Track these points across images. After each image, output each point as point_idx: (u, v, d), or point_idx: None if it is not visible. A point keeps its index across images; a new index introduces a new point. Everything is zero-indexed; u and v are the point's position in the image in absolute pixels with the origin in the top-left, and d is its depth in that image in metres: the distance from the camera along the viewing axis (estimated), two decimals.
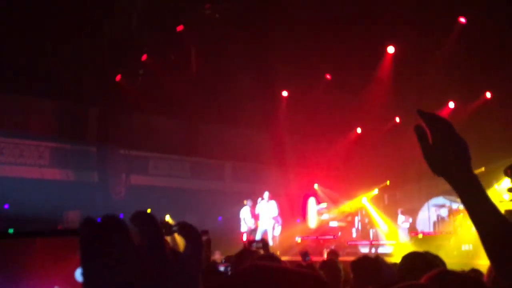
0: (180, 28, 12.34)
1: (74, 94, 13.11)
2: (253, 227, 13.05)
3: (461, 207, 12.28)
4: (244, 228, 13.24)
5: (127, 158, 14.41)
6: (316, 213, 16.86)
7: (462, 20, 12.30)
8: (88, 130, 14.24)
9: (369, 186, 16.63)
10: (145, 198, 14.22)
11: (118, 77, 13.53)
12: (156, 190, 14.79)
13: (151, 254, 0.75)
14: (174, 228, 2.77)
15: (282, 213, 14.98)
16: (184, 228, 2.80)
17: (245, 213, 13.25)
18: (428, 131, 1.22)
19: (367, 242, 13.87)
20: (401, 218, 14.35)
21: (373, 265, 3.09)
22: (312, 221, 17.02)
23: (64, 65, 12.31)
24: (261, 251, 4.43)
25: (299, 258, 9.27)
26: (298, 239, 15.07)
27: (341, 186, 17.37)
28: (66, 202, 13.31)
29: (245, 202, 13.38)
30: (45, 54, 12.00)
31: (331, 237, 14.66)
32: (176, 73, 13.67)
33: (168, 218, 15.09)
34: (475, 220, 1.17)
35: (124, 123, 14.23)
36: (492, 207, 1.17)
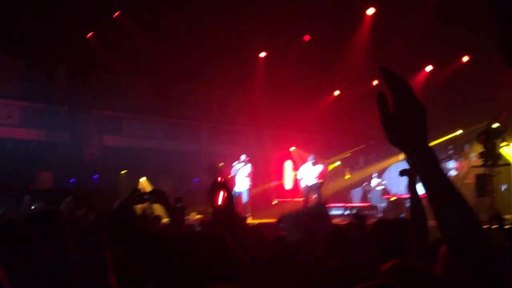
0: None
1: (42, 52, 12.60)
2: (313, 184, 12.04)
3: None
4: (303, 185, 12.32)
5: (100, 119, 14.08)
6: (292, 176, 16.97)
7: None
8: (58, 89, 13.79)
9: (345, 149, 16.76)
10: (119, 159, 14.02)
11: (89, 35, 13.04)
12: (130, 151, 14.58)
13: None
14: (146, 196, 2.64)
15: (259, 175, 15.03)
16: (156, 196, 2.64)
17: (306, 170, 12.35)
18: (389, 100, 1.21)
19: (342, 204, 14.05)
20: (375, 181, 14.55)
21: (341, 238, 3.06)
22: (288, 183, 17.15)
23: (32, 22, 11.77)
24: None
25: (272, 220, 9.31)
26: (275, 201, 15.21)
27: (318, 149, 17.45)
28: (38, 163, 13.04)
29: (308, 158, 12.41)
30: (13, 10, 11.41)
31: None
32: (150, 31, 13.24)
33: (143, 179, 14.97)
34: (428, 190, 1.19)
35: (96, 82, 13.82)
36: (445, 179, 1.19)
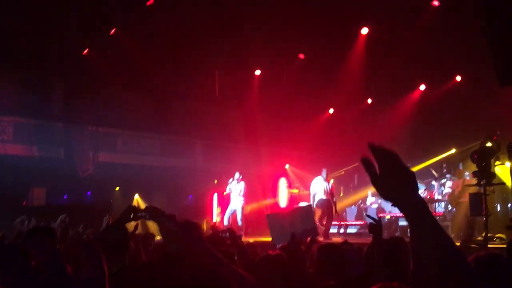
0: (150, 1, 11.96)
1: (38, 67, 12.61)
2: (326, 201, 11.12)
3: (431, 188, 12.52)
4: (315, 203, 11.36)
5: (95, 135, 14.03)
6: (286, 193, 16.93)
7: (435, 3, 12.34)
8: (53, 105, 13.77)
9: (339, 167, 16.76)
10: (113, 175, 13.96)
11: (85, 51, 13.08)
12: (125, 167, 14.52)
13: None
14: (141, 214, 2.62)
15: (253, 193, 14.98)
16: (150, 213, 2.62)
17: (317, 185, 11.43)
18: (374, 161, 1.31)
19: (336, 223, 13.99)
20: (370, 199, 14.53)
21: (337, 256, 3.03)
22: (283, 201, 17.09)
23: (28, 37, 11.81)
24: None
25: (268, 239, 9.26)
26: None
27: (312, 167, 17.44)
28: (31, 179, 12.94)
29: (323, 172, 11.35)
30: (8, 24, 11.45)
31: None
32: (146, 48, 13.31)
33: (137, 197, 14.90)
34: (421, 243, 1.23)
35: (92, 98, 13.82)
36: (439, 231, 1.22)
